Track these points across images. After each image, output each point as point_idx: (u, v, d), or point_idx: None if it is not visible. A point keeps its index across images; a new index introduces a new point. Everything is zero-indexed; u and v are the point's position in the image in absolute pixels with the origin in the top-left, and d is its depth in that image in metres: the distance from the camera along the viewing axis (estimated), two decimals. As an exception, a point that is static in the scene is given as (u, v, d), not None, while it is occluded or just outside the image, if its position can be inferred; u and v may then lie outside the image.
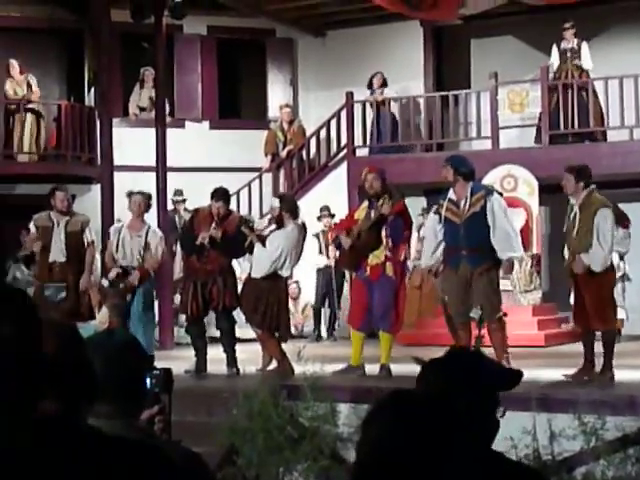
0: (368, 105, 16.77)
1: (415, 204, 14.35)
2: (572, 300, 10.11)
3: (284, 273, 10.54)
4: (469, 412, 2.48)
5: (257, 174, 17.10)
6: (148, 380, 2.89)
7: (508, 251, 9.67)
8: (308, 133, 17.32)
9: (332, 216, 14.84)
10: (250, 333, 11.22)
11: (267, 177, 17.17)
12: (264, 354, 10.80)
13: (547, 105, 15.38)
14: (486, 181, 12.72)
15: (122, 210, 12.55)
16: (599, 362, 9.49)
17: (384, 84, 16.75)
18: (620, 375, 9.47)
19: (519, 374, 2.89)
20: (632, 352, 11.76)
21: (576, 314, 9.74)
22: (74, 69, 17.40)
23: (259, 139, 17.23)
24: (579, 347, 9.77)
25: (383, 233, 10.02)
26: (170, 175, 14.87)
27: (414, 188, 15.14)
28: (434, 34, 17.73)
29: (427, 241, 10.31)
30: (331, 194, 15.96)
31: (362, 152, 16.84)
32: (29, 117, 15.85)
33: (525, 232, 13.33)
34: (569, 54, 15.67)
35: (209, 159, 17.00)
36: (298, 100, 18.42)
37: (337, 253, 11.60)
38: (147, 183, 13.46)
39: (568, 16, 15.60)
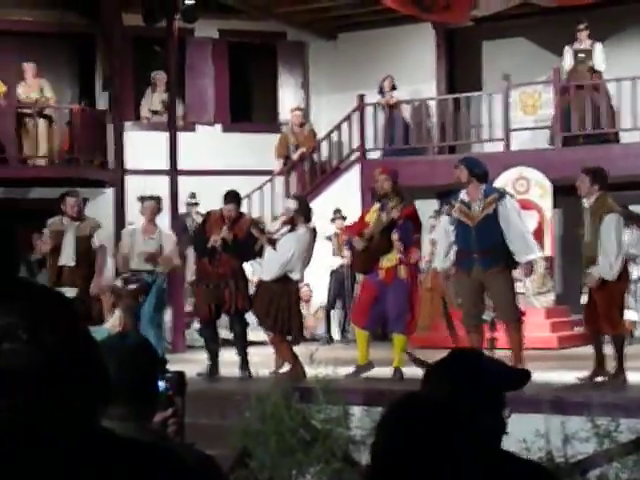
0: (379, 108, 16.77)
1: (427, 207, 14.34)
2: (583, 299, 10.07)
3: (295, 276, 10.53)
4: (473, 413, 2.48)
5: (269, 177, 17.11)
6: (162, 383, 2.89)
7: (527, 254, 9.65)
8: (319, 136, 17.33)
9: (344, 218, 14.85)
10: (262, 336, 11.23)
11: (279, 180, 17.18)
12: (276, 357, 10.81)
13: (560, 107, 15.35)
14: (498, 183, 12.69)
15: (134, 213, 12.58)
16: (611, 365, 9.48)
17: (394, 88, 16.75)
18: (633, 377, 9.44)
19: (527, 374, 2.87)
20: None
21: (586, 316, 9.71)
22: (86, 73, 17.43)
23: (271, 142, 17.24)
24: (592, 349, 9.75)
25: (394, 237, 10.03)
26: (182, 178, 14.90)
27: (426, 191, 15.13)
28: (446, 36, 17.71)
29: (439, 243, 10.32)
30: (343, 197, 15.96)
31: (374, 155, 16.84)
32: (41, 121, 15.89)
33: (538, 234, 13.28)
34: (582, 55, 15.63)
35: (221, 162, 17.01)
36: (309, 103, 18.43)
37: (350, 255, 11.61)
38: (159, 186, 13.49)
39: (581, 17, 15.57)
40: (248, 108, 18.71)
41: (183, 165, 14.99)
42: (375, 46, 17.46)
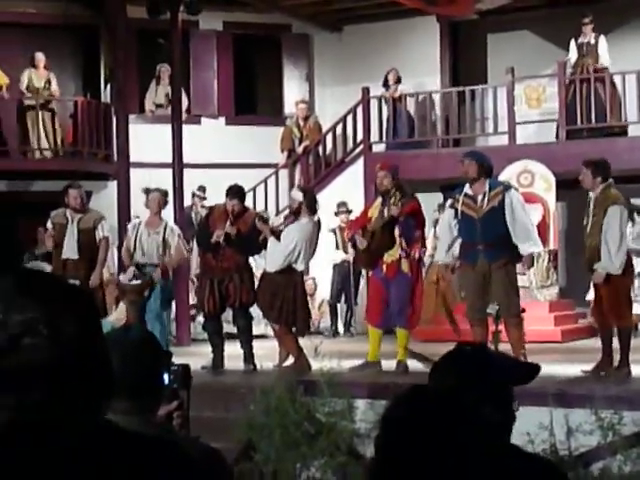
0: (384, 101, 16.75)
1: (431, 200, 14.32)
2: (589, 295, 10.08)
3: (299, 267, 10.52)
4: (479, 406, 2.48)
5: (273, 170, 17.10)
6: (166, 376, 2.89)
7: (529, 246, 9.66)
8: (324, 129, 17.31)
9: (349, 212, 14.83)
10: (267, 329, 11.23)
11: (283, 173, 17.17)
12: (281, 350, 10.80)
13: (564, 100, 15.33)
14: (503, 177, 12.67)
15: (138, 207, 12.58)
16: (616, 358, 9.47)
17: (398, 80, 16.73)
18: (637, 370, 9.44)
19: (536, 368, 2.86)
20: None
21: (595, 309, 9.72)
22: (90, 65, 17.41)
23: (275, 135, 17.23)
24: (596, 342, 9.75)
25: (396, 232, 10.04)
26: (186, 171, 14.88)
27: (430, 184, 15.11)
28: (450, 29, 17.68)
29: (442, 236, 10.32)
30: (347, 190, 15.95)
31: (379, 148, 16.82)
32: (46, 114, 15.87)
33: (542, 228, 13.27)
34: (587, 49, 15.61)
35: (225, 155, 17.00)
36: (314, 96, 18.42)
37: (353, 251, 11.61)
38: (163, 179, 13.48)
39: (585, 10, 15.54)
40: (253, 101, 18.70)
41: (187, 158, 14.98)
42: (380, 39, 17.44)
